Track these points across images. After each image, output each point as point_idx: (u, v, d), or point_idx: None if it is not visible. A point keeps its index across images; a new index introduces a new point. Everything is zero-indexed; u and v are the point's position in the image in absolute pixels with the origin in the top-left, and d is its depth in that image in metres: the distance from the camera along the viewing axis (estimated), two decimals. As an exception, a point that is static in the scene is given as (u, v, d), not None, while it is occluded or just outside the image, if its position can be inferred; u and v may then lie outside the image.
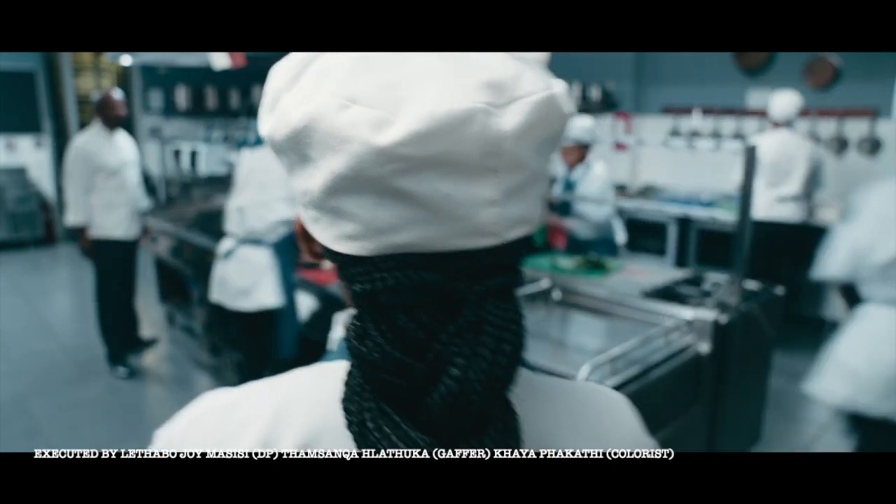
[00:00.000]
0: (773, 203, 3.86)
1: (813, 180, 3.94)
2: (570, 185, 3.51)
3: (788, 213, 3.90)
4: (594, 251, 3.25)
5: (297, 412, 0.47)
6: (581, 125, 3.37)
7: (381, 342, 0.41)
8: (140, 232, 3.84)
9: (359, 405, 0.41)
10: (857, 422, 2.01)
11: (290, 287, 2.86)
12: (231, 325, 3.21)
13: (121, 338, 3.86)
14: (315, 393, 0.48)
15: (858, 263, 1.94)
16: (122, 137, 3.76)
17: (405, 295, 0.41)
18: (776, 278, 3.52)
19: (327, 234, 0.43)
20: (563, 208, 3.49)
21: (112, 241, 3.70)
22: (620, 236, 3.64)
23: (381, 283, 0.41)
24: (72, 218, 3.64)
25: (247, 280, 2.86)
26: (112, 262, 3.79)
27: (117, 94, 3.68)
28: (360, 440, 0.41)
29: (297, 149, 0.42)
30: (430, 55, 0.41)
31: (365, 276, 0.42)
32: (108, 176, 3.62)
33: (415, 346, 0.41)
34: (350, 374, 0.43)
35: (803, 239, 3.77)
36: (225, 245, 2.98)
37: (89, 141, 3.63)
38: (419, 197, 0.39)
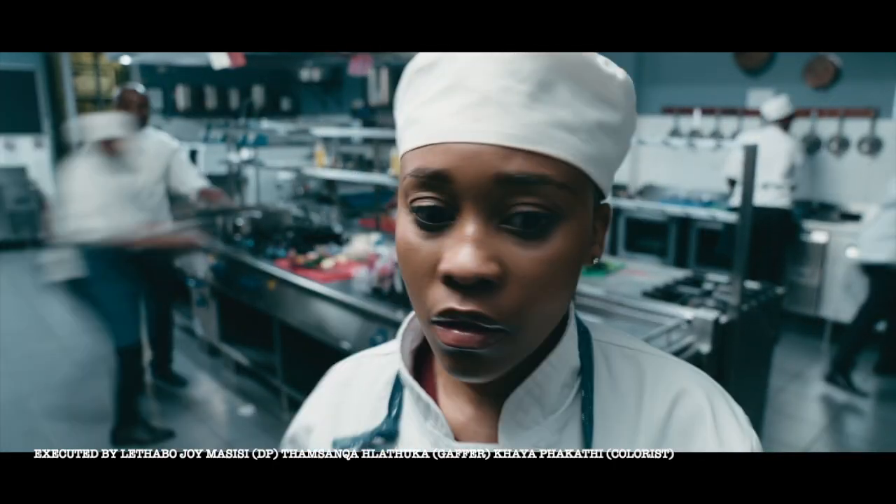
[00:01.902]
0: (758, 189, 4.32)
1: (792, 172, 4.44)
2: None
3: (770, 199, 4.39)
4: None
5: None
6: None
7: None
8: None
9: None
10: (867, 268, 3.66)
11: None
12: None
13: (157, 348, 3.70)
14: None
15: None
16: (143, 137, 3.43)
17: None
18: (766, 259, 4.30)
19: None
20: None
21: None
22: None
23: None
24: None
25: None
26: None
27: (125, 89, 3.40)
28: None
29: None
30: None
31: None
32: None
33: None
34: None
35: (787, 221, 4.45)
36: None
37: None
38: None
